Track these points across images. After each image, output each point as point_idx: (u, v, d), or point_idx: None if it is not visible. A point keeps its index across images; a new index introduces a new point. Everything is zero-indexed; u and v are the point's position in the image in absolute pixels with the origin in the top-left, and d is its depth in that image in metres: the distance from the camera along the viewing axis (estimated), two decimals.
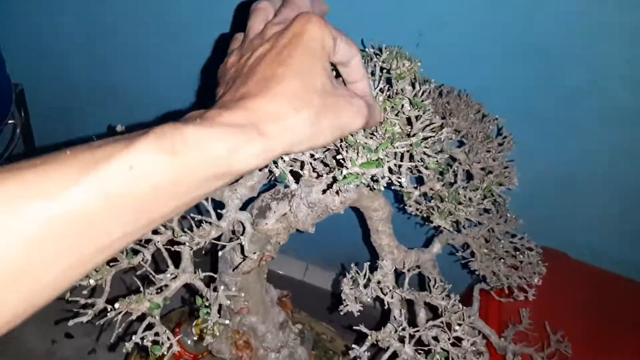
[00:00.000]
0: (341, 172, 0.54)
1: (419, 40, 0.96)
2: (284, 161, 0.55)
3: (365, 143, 0.57)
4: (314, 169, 0.57)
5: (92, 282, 0.63)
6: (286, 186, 0.67)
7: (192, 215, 0.68)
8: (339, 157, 0.57)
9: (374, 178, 0.56)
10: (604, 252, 1.30)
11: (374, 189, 0.54)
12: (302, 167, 0.58)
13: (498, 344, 0.99)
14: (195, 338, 1.05)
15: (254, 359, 0.97)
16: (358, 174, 0.54)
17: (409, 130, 0.63)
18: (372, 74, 0.64)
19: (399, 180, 0.56)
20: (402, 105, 0.61)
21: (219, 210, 0.72)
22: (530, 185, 0.91)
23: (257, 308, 0.93)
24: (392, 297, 0.75)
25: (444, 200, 0.77)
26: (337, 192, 0.57)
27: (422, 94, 0.64)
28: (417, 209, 0.78)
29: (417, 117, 0.62)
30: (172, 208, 0.34)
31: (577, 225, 1.27)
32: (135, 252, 0.69)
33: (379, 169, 0.55)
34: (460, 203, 0.76)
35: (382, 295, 0.75)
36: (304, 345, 1.06)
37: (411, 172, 0.61)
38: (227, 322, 0.62)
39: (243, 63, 0.43)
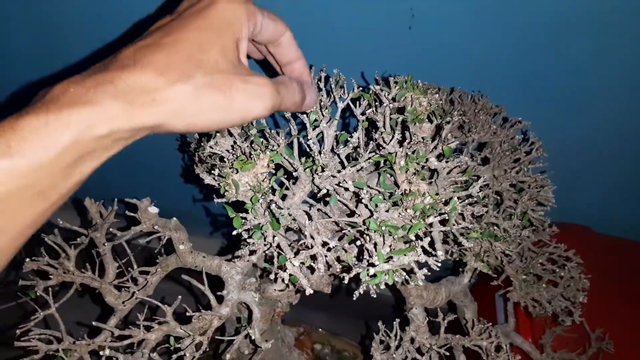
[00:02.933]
0: (367, 270, 0.43)
1: (412, 23, 0.82)
2: (294, 265, 0.44)
3: (389, 220, 0.45)
4: (329, 265, 0.46)
5: None
6: (299, 291, 0.56)
7: (188, 311, 0.57)
8: (358, 243, 0.46)
9: (407, 268, 0.44)
10: (625, 221, 1.22)
11: (409, 283, 0.43)
12: (314, 260, 0.47)
13: (540, 359, 0.91)
14: None
15: None
16: (389, 269, 0.43)
17: (434, 179, 0.51)
18: (383, 123, 0.52)
19: (437, 262, 0.45)
20: (427, 159, 0.49)
21: (218, 292, 0.61)
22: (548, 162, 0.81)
23: None
24: (430, 358, 0.65)
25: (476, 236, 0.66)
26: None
27: (447, 136, 0.52)
28: (447, 251, 0.67)
29: (444, 168, 0.51)
30: (44, 207, 0.32)
31: (595, 195, 1.18)
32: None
33: (413, 254, 0.44)
34: (495, 238, 0.66)
35: (419, 357, 0.65)
36: None
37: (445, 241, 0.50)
38: None
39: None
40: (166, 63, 0.34)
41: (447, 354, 0.68)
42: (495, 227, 0.66)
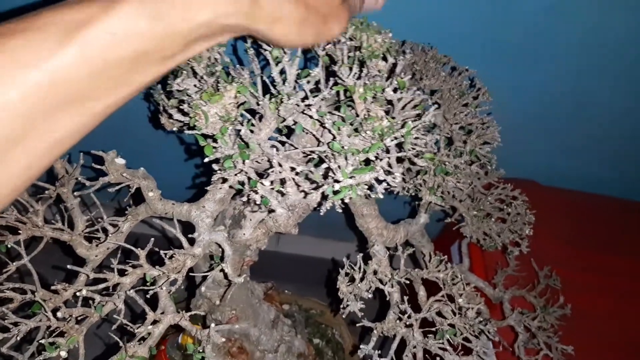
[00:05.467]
0: (332, 186, 0.47)
1: None
2: (264, 185, 0.47)
3: (352, 145, 0.49)
4: (298, 186, 0.49)
5: (63, 354, 0.54)
6: (270, 211, 0.59)
7: (161, 251, 0.59)
8: (323, 166, 0.49)
9: (369, 184, 0.48)
10: (570, 173, 1.31)
11: (370, 197, 0.47)
12: (283, 184, 0.50)
13: (493, 295, 0.98)
14: (183, 351, 0.99)
15: None
16: (352, 185, 0.47)
17: (392, 115, 0.55)
18: (341, 57, 0.55)
19: (395, 179, 0.49)
20: (383, 90, 0.53)
21: (189, 235, 0.63)
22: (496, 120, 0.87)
23: (246, 313, 0.86)
24: (392, 286, 0.70)
25: (429, 173, 0.71)
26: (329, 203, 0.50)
27: (400, 69, 0.56)
28: (404, 188, 0.72)
29: (399, 99, 0.55)
30: (155, 74, 0.34)
31: (541, 151, 1.26)
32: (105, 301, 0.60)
33: (373, 173, 0.48)
34: (447, 173, 0.71)
35: (381, 286, 0.70)
36: (298, 334, 1.01)
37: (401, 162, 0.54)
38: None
39: None
40: None
41: (408, 282, 0.73)
42: (447, 164, 0.71)
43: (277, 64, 0.51)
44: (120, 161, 0.65)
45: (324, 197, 0.48)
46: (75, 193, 0.64)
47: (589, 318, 1.05)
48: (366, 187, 0.48)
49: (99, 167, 0.64)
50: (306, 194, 0.60)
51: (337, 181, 0.46)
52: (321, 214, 0.48)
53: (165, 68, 0.35)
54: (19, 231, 0.63)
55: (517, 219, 0.86)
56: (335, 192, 0.47)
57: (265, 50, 0.51)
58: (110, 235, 0.63)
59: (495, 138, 0.78)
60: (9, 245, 0.61)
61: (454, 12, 0.88)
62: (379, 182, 0.48)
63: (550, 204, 1.24)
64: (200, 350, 0.55)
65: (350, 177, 0.47)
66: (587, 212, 1.28)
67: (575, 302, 0.99)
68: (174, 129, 0.62)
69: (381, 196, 0.47)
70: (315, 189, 0.48)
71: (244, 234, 0.70)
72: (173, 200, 0.66)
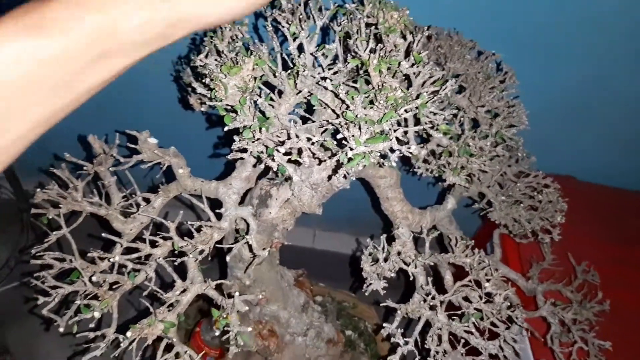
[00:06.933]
0: (345, 154, 0.48)
1: None
2: (279, 152, 0.49)
3: (366, 115, 0.50)
4: (313, 154, 0.51)
5: (97, 314, 0.57)
6: (287, 178, 0.61)
7: (190, 222, 0.62)
8: (339, 136, 0.51)
9: (383, 153, 0.50)
10: (608, 168, 1.27)
11: (384, 165, 0.48)
12: (300, 154, 0.52)
13: (526, 287, 0.96)
14: (217, 333, 1.02)
15: (280, 345, 0.94)
16: (365, 153, 0.48)
17: (410, 90, 0.56)
18: (358, 32, 0.57)
19: (409, 150, 0.50)
20: (399, 64, 0.54)
21: (217, 210, 0.66)
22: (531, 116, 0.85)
23: (276, 296, 0.88)
24: (415, 267, 0.70)
25: (453, 154, 0.71)
26: (344, 176, 0.51)
27: (417, 45, 0.57)
28: (427, 169, 0.72)
29: (415, 74, 0.56)
30: (61, 101, 0.31)
31: (580, 148, 1.23)
32: (137, 270, 0.63)
33: (387, 142, 0.49)
34: (472, 155, 0.71)
35: (405, 267, 0.71)
36: (328, 321, 1.02)
37: (419, 135, 0.55)
38: (249, 329, 0.57)
39: None
40: None
41: (433, 265, 0.73)
42: (470, 146, 0.71)
43: (294, 40, 0.53)
44: (153, 140, 0.68)
45: (339, 165, 0.49)
46: (110, 168, 0.68)
47: (627, 314, 1.01)
48: (379, 155, 0.49)
49: (133, 146, 0.69)
50: (329, 177, 0.62)
51: (350, 149, 0.48)
52: (337, 186, 0.49)
53: (69, 94, 0.31)
54: (60, 205, 0.67)
55: (549, 207, 0.84)
56: (349, 160, 0.48)
57: (283, 27, 0.53)
58: (142, 209, 0.67)
59: (523, 121, 0.77)
60: (50, 217, 0.66)
61: (499, 11, 0.88)
62: (392, 151, 0.49)
63: (588, 199, 1.21)
64: (225, 316, 0.58)
65: (364, 146, 0.48)
66: (626, 208, 1.24)
67: (613, 298, 0.96)
68: (202, 109, 0.65)
69: (394, 164, 0.48)
70: (331, 157, 0.50)
71: (270, 212, 0.72)
72: (202, 178, 0.69)
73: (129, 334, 0.57)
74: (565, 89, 1.05)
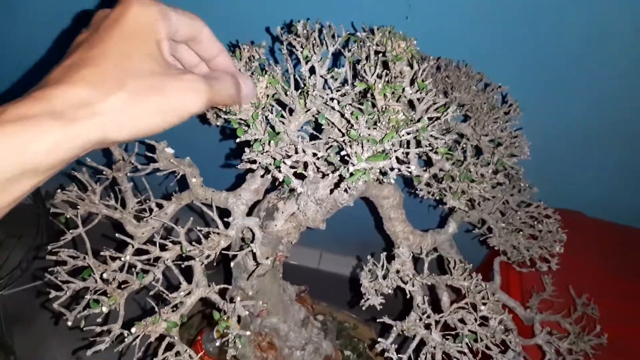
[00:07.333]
0: (347, 169, 0.51)
1: (408, 13, 0.92)
2: (286, 164, 0.53)
3: (369, 135, 0.54)
4: (318, 168, 0.55)
5: (104, 309, 0.61)
6: (292, 190, 0.64)
7: (198, 227, 0.65)
8: (343, 153, 0.54)
9: (382, 171, 0.53)
10: (617, 205, 1.28)
11: (383, 182, 0.51)
12: (305, 168, 0.55)
13: (524, 315, 0.97)
14: (217, 344, 1.04)
15: (279, 358, 0.96)
16: (365, 169, 0.51)
17: (413, 114, 0.60)
18: (367, 58, 0.61)
19: (409, 169, 0.53)
20: (403, 89, 0.58)
21: (225, 219, 0.69)
22: (537, 149, 0.88)
23: (277, 308, 0.91)
24: (413, 286, 0.73)
25: (455, 179, 0.74)
26: (345, 190, 0.55)
27: (422, 73, 0.61)
28: (429, 192, 0.75)
29: (419, 100, 0.59)
30: None
31: (588, 182, 1.24)
32: (146, 271, 0.66)
33: (387, 160, 0.52)
34: (472, 181, 0.74)
35: (402, 285, 0.73)
36: (327, 339, 1.04)
37: (420, 157, 0.58)
38: (247, 333, 0.60)
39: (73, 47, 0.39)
40: (96, 76, 0.35)
41: (430, 285, 0.75)
42: (471, 172, 0.74)
43: (306, 63, 0.57)
44: (170, 150, 0.73)
45: (341, 179, 0.53)
46: (127, 174, 0.72)
47: (630, 349, 1.01)
48: (379, 172, 0.52)
49: (151, 154, 0.73)
50: (332, 190, 0.65)
51: (352, 164, 0.51)
52: (341, 202, 0.52)
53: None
54: (78, 206, 0.71)
55: (548, 237, 0.86)
56: (351, 175, 0.51)
57: (297, 50, 0.57)
58: (155, 214, 0.71)
59: (524, 152, 0.80)
60: (67, 216, 0.70)
61: (504, 47, 0.91)
62: (392, 169, 0.52)
63: (595, 234, 1.22)
64: (225, 319, 0.60)
65: (365, 162, 0.51)
66: (633, 245, 1.24)
67: (616, 332, 0.96)
68: (218, 123, 0.69)
69: (393, 181, 0.51)
70: (333, 172, 0.53)
71: (276, 225, 0.75)
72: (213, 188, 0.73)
73: (133, 329, 0.60)
74: (574, 120, 1.07)
